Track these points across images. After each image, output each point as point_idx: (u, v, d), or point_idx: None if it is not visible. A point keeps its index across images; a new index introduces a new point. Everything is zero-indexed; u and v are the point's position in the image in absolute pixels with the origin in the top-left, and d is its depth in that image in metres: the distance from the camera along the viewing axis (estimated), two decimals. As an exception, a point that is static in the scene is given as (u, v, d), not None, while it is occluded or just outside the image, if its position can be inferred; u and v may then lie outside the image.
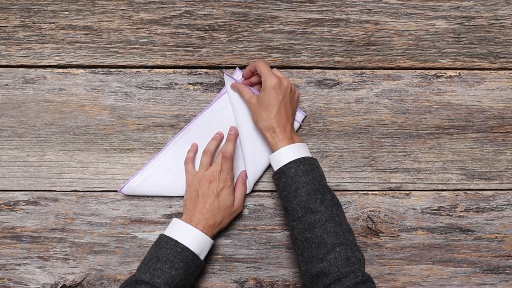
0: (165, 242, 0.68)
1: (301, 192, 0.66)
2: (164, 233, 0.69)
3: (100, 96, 0.79)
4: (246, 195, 0.77)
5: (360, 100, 0.80)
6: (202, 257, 0.69)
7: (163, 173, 0.77)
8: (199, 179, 0.73)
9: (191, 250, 0.67)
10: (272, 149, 0.71)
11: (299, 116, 0.79)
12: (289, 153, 0.69)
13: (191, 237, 0.68)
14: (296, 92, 0.76)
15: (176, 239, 0.67)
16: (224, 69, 0.79)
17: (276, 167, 0.70)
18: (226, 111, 0.79)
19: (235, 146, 0.74)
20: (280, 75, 0.74)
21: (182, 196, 0.76)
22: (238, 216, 0.77)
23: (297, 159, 0.68)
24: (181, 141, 0.78)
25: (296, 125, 0.78)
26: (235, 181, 0.76)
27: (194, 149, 0.77)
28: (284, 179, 0.68)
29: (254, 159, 0.76)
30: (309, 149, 0.79)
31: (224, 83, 0.80)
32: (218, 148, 0.77)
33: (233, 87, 0.77)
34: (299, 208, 0.66)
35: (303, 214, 0.65)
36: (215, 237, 0.76)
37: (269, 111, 0.71)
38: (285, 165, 0.68)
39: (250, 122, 0.77)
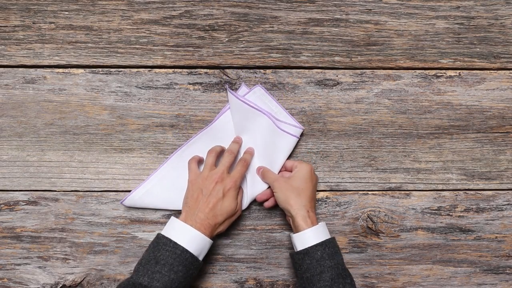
0: (163, 243, 0.66)
1: (325, 276, 0.65)
2: (162, 233, 0.68)
3: (100, 96, 0.79)
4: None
5: (360, 100, 0.80)
6: (201, 258, 0.68)
7: (165, 186, 0.76)
8: (204, 179, 0.71)
9: (190, 252, 0.66)
10: (295, 228, 0.70)
11: (297, 131, 0.78)
12: (316, 234, 0.68)
13: (190, 238, 0.67)
14: (316, 177, 0.76)
15: (174, 240, 0.66)
16: (227, 85, 0.79)
17: (300, 246, 0.68)
18: (230, 127, 0.78)
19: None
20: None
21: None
22: (238, 216, 0.77)
23: (323, 242, 0.67)
24: (184, 155, 0.77)
25: (294, 140, 0.78)
26: None
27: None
28: (308, 261, 0.67)
29: (253, 179, 0.77)
30: (309, 149, 0.79)
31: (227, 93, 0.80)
32: (222, 152, 0.76)
33: (258, 170, 0.77)
34: None
35: None
36: (215, 236, 0.76)
37: (301, 195, 0.71)
38: (311, 247, 0.67)
39: (252, 143, 0.77)
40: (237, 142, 0.77)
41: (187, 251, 0.66)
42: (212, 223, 0.69)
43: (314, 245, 0.67)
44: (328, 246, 0.67)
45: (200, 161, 0.77)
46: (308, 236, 0.68)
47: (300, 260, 0.68)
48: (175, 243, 0.66)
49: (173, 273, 0.64)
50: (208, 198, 0.70)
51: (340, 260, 0.68)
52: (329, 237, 0.69)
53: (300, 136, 0.79)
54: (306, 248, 0.67)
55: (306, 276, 0.67)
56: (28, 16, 0.81)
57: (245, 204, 0.76)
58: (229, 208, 0.71)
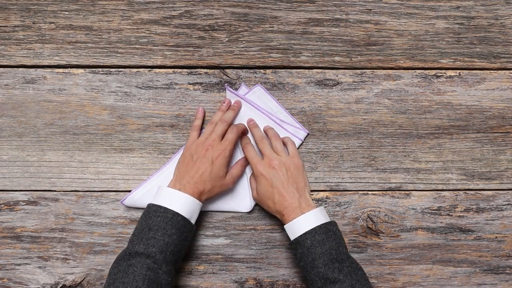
0: (154, 211, 0.67)
1: (318, 263, 0.66)
2: (152, 203, 0.69)
3: (100, 96, 0.79)
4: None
5: (360, 100, 0.80)
6: (193, 221, 0.69)
7: None
8: (197, 145, 0.72)
9: (181, 215, 0.67)
10: (285, 220, 0.71)
11: (302, 133, 0.78)
12: (304, 223, 0.68)
13: (180, 202, 0.67)
14: (295, 160, 0.74)
15: (164, 206, 0.67)
16: (226, 84, 0.79)
17: (291, 237, 0.69)
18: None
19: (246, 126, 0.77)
20: (270, 152, 0.73)
21: None
22: (238, 216, 0.77)
23: (311, 229, 0.67)
24: None
25: (298, 142, 0.78)
26: (235, 161, 0.77)
27: (201, 116, 0.78)
28: (300, 250, 0.68)
29: None
30: (309, 149, 0.79)
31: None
32: None
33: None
34: (318, 279, 0.66)
35: (322, 285, 0.65)
36: (216, 237, 0.76)
37: (270, 199, 0.71)
38: (300, 236, 0.68)
39: (252, 141, 0.77)
40: (233, 109, 0.76)
41: (178, 214, 0.66)
42: (200, 188, 0.70)
43: (303, 233, 0.68)
44: (318, 233, 0.67)
45: (203, 119, 0.78)
46: (296, 226, 0.69)
47: (294, 250, 0.69)
48: (165, 208, 0.67)
49: (167, 236, 0.65)
50: (198, 164, 0.70)
51: (334, 245, 0.67)
52: (320, 223, 0.68)
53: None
54: (296, 238, 0.68)
55: (301, 265, 0.68)
56: (28, 16, 0.81)
57: (250, 205, 0.76)
58: (217, 175, 0.71)
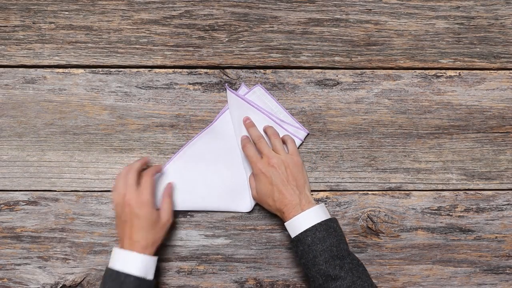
0: (108, 275, 0.67)
1: (319, 260, 0.66)
2: (108, 266, 0.68)
3: (100, 96, 0.79)
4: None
5: (360, 100, 0.80)
6: (149, 276, 0.68)
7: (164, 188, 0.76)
8: (120, 206, 0.70)
9: (133, 276, 0.66)
10: (285, 218, 0.71)
11: (302, 133, 0.78)
12: (304, 220, 0.68)
13: (130, 262, 0.67)
14: (295, 158, 0.74)
15: (117, 269, 0.66)
16: (226, 84, 0.79)
17: (292, 234, 0.69)
18: (231, 126, 0.79)
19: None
20: (269, 151, 0.73)
21: (183, 211, 0.77)
22: (238, 216, 0.77)
23: (312, 226, 0.68)
24: (185, 156, 0.77)
25: (298, 142, 0.78)
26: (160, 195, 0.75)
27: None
28: (301, 247, 0.68)
29: None
30: (309, 149, 0.79)
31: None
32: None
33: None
34: (319, 276, 0.66)
35: (324, 282, 0.65)
36: (216, 237, 0.76)
37: (269, 197, 0.71)
38: (301, 233, 0.68)
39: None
40: (141, 160, 0.74)
41: (129, 275, 0.66)
42: (143, 244, 0.68)
43: (304, 230, 0.68)
44: (319, 230, 0.67)
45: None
46: (296, 223, 0.69)
47: (295, 247, 0.69)
48: (117, 272, 0.66)
49: None
50: (128, 224, 0.69)
51: (335, 242, 0.67)
52: (321, 220, 0.68)
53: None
54: (297, 235, 0.68)
55: (302, 262, 0.68)
56: (28, 16, 0.81)
57: (250, 205, 0.77)
58: (150, 223, 0.69)
